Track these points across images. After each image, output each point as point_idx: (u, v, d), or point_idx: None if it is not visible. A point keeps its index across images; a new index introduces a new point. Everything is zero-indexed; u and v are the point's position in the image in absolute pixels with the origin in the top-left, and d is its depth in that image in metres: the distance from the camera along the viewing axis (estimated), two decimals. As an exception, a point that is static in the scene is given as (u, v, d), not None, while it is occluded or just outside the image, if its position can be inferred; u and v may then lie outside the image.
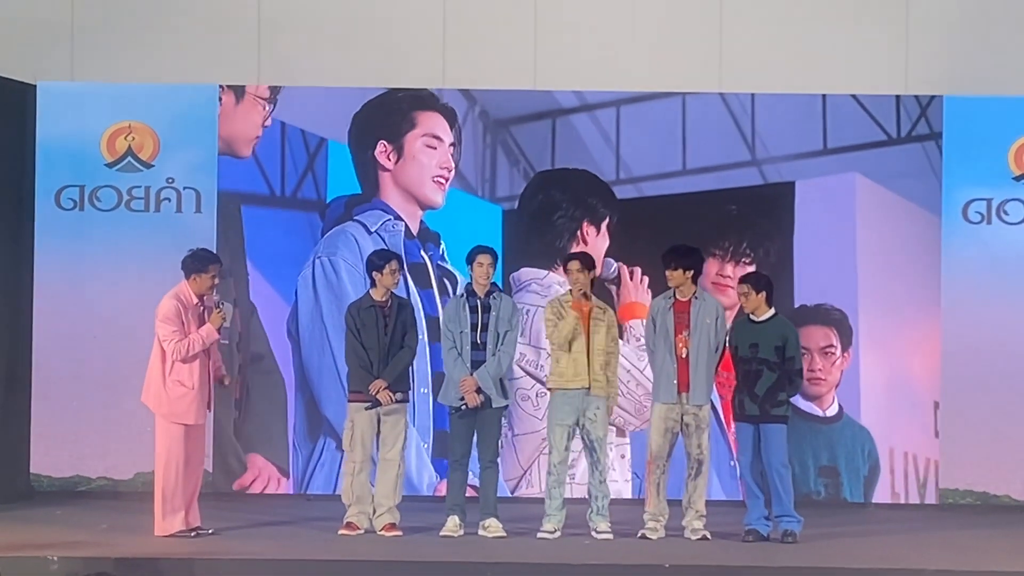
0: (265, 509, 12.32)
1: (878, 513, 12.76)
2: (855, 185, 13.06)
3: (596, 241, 13.03)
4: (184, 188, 13.08)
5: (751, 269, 12.68)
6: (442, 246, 13.10)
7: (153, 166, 13.10)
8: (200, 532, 10.84)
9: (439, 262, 13.06)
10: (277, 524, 11.59)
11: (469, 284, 11.15)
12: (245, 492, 12.99)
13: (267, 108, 13.09)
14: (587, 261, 11.10)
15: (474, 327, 11.02)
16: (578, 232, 13.02)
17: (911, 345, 13.05)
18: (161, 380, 10.73)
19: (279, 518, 11.84)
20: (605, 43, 13.27)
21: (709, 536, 10.98)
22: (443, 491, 12.65)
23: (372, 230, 13.08)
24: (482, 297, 11.07)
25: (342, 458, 12.79)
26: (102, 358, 12.85)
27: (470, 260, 11.11)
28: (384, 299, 11.12)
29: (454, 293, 12.86)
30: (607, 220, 13.05)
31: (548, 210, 13.08)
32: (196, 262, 10.83)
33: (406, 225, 13.07)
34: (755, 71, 13.20)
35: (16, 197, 12.94)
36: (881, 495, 13.03)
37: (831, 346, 12.94)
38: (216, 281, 10.87)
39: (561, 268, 11.80)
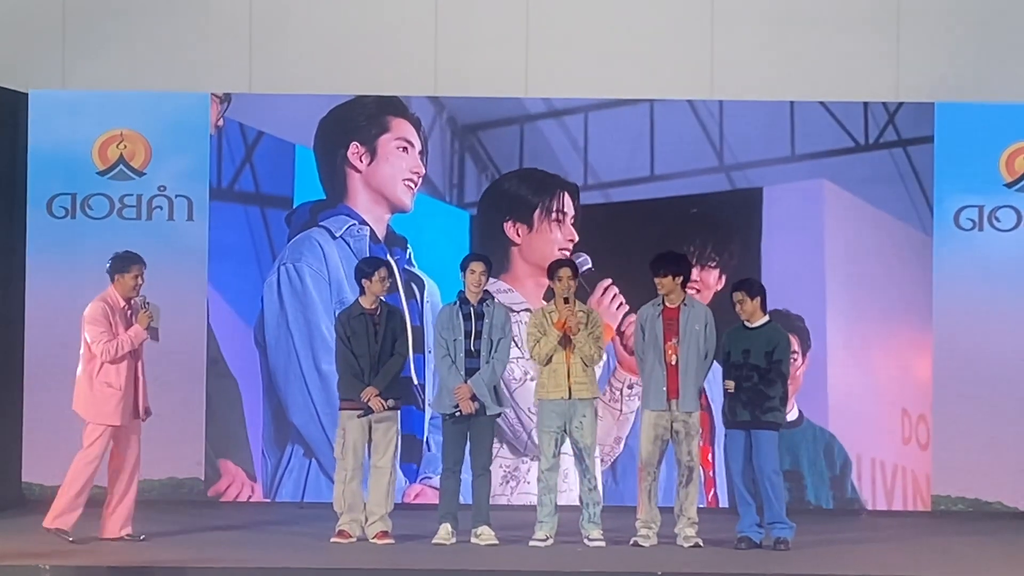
0: (252, 515, 12.31)
1: (870, 520, 12.76)
2: (823, 191, 13.08)
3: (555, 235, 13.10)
4: (176, 196, 13.08)
5: (717, 273, 12.79)
6: (409, 250, 13.10)
7: (145, 174, 13.09)
8: (130, 537, 10.86)
9: (406, 266, 13.04)
10: (267, 531, 11.58)
11: (462, 292, 11.15)
12: (219, 499, 13.00)
13: (216, 104, 13.08)
14: (576, 268, 11.14)
15: (467, 335, 11.02)
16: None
17: (879, 351, 13.05)
18: (88, 384, 10.76)
19: (267, 525, 11.83)
20: (597, 51, 13.28)
21: (701, 543, 10.97)
22: (411, 497, 12.69)
23: (337, 235, 13.07)
24: (475, 304, 11.07)
25: (310, 465, 12.85)
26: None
27: (463, 268, 11.12)
28: (373, 307, 11.11)
29: (421, 298, 12.89)
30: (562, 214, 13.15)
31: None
32: (117, 263, 10.88)
33: (372, 230, 13.07)
34: (747, 79, 13.22)
35: (8, 205, 12.93)
36: (848, 501, 13.05)
37: (793, 352, 12.94)
38: (140, 281, 10.85)
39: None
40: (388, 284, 11.16)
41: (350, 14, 13.35)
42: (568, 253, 12.78)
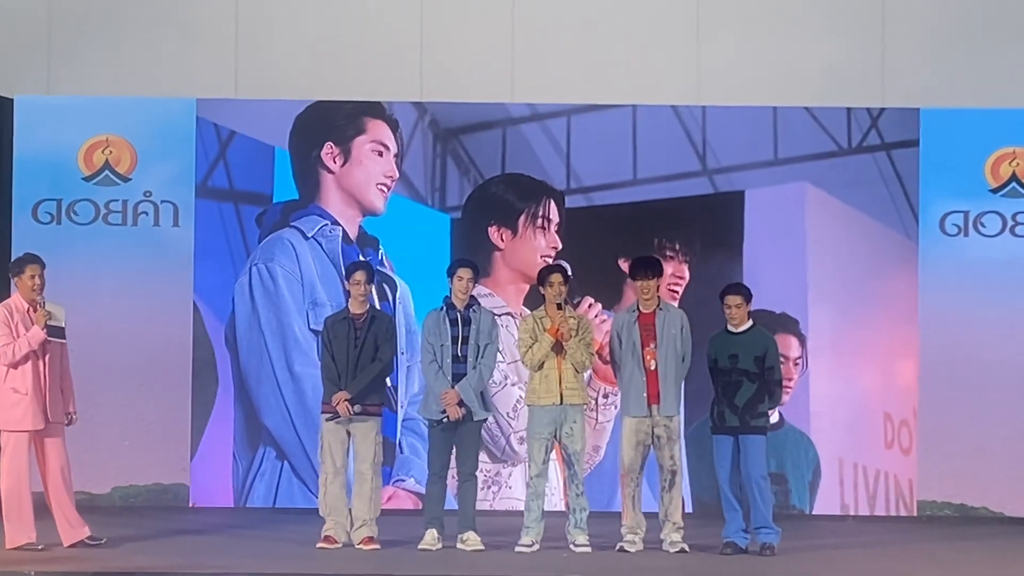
0: (239, 521, 12.31)
1: (856, 525, 12.78)
2: (804, 194, 13.10)
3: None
4: (162, 202, 13.07)
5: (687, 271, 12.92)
6: (381, 251, 13.10)
7: (130, 180, 13.09)
8: (93, 540, 10.78)
9: (378, 267, 13.03)
10: (254, 537, 11.57)
11: (447, 297, 11.14)
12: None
13: None
14: (566, 273, 11.14)
15: (454, 340, 11.01)
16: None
17: (861, 354, 13.07)
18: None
19: (254, 531, 11.82)
20: (583, 56, 13.30)
21: (687, 548, 10.97)
22: (384, 500, 12.67)
23: (309, 235, 13.08)
24: (462, 310, 11.06)
25: (282, 467, 12.87)
26: (78, 372, 12.63)
27: (450, 273, 11.11)
28: (360, 312, 11.08)
29: (393, 299, 12.88)
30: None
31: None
32: (13, 266, 10.84)
33: (344, 231, 13.07)
34: (733, 85, 13.25)
35: (-7, 211, 12.95)
36: (831, 506, 13.07)
37: (797, 357, 12.97)
38: (37, 282, 10.73)
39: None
40: (363, 288, 11.02)
41: (336, 20, 13.36)
42: (551, 260, 12.76)
